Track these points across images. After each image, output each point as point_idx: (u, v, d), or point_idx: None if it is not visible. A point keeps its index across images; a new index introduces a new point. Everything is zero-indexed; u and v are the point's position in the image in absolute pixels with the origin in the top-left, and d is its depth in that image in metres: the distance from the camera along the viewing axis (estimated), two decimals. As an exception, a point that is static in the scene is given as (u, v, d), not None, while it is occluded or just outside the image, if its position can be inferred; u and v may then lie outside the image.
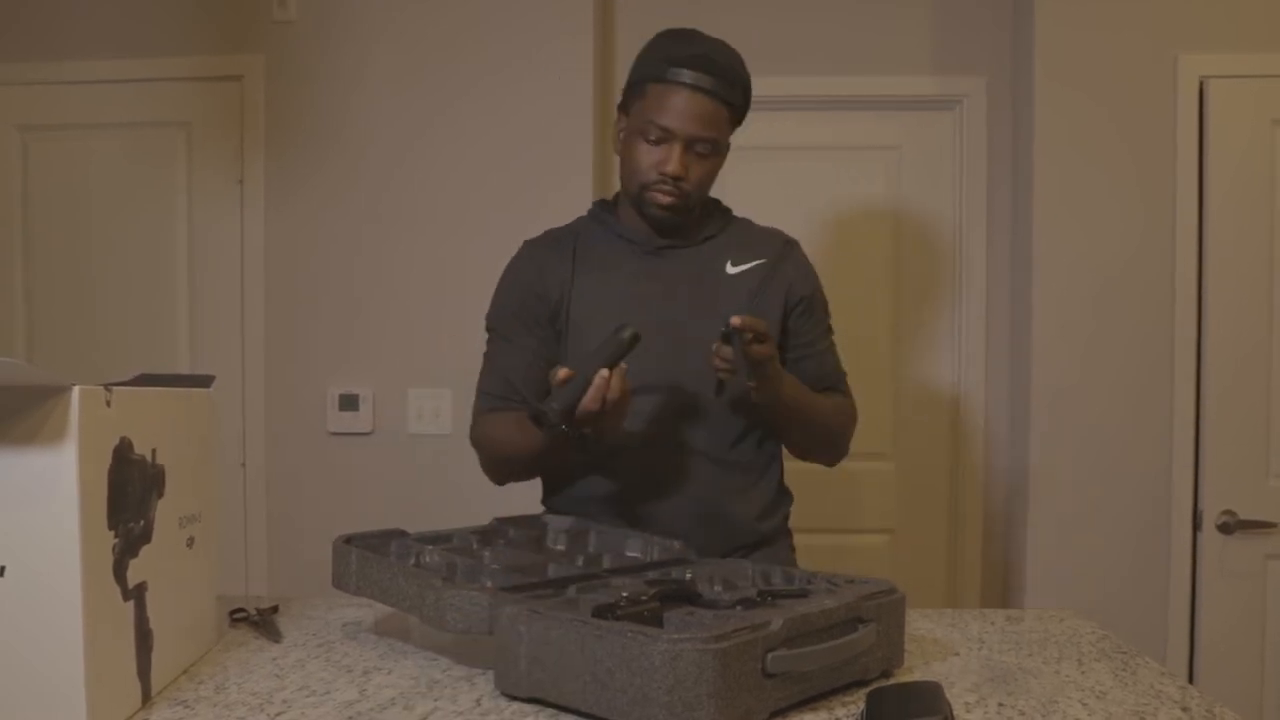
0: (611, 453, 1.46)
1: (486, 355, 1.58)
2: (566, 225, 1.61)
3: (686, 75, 1.40)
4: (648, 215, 1.48)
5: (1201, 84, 2.39)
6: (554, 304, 1.51)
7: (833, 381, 1.58)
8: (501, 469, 1.54)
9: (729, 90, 1.43)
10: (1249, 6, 2.39)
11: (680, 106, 1.40)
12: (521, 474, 1.55)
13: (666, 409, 1.47)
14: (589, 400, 1.23)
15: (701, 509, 1.47)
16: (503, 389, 1.53)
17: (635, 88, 1.47)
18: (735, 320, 1.29)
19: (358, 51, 2.58)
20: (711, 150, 1.45)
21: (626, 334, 1.25)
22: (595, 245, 1.55)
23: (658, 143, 1.43)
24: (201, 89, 2.63)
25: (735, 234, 1.57)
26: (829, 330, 1.61)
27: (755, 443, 1.52)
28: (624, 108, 1.51)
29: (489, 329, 1.58)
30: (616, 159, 1.54)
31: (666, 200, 1.44)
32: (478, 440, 1.55)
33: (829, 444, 1.58)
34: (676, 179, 1.43)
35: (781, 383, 1.40)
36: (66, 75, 2.64)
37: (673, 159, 1.42)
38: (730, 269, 1.52)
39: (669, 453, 1.47)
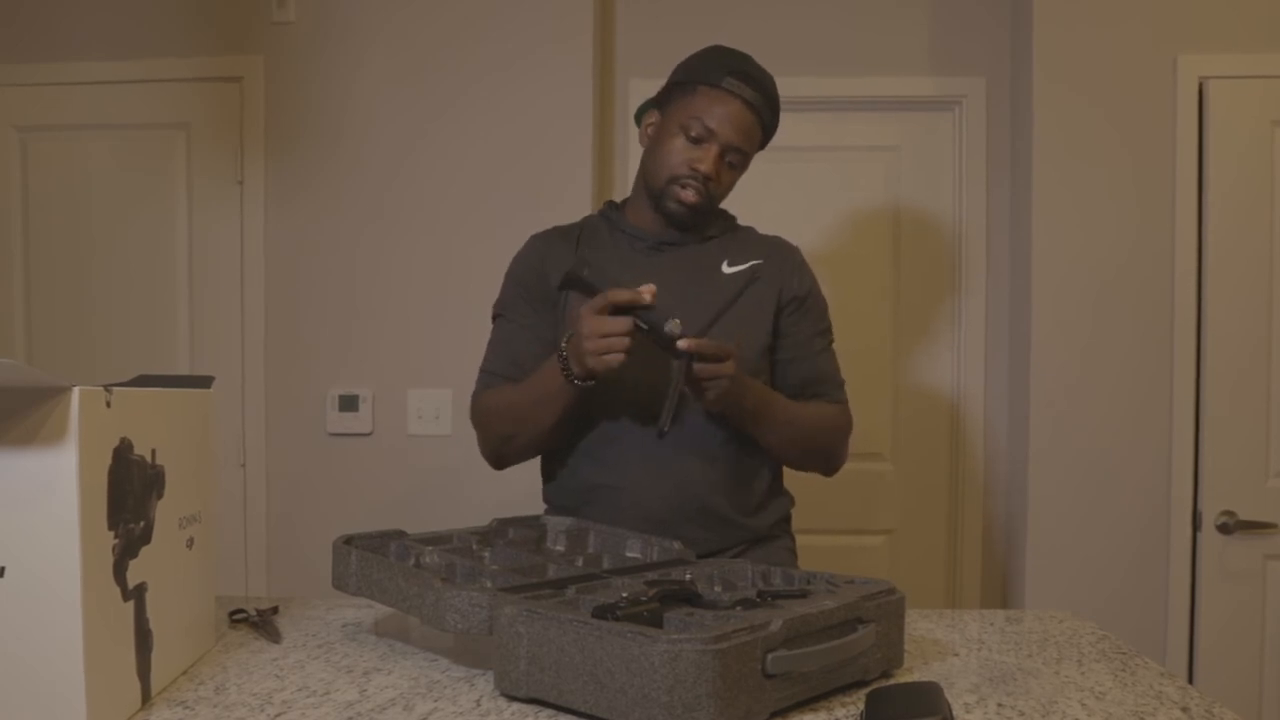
0: (605, 446, 1.48)
1: (490, 341, 1.60)
2: (574, 223, 1.65)
3: (741, 88, 1.48)
4: (666, 210, 1.52)
5: (1201, 84, 2.39)
6: (554, 290, 1.54)
7: (825, 388, 1.57)
8: (500, 439, 1.53)
9: (770, 115, 1.53)
10: (1249, 6, 2.39)
11: (729, 114, 1.47)
12: (519, 441, 1.52)
13: (657, 402, 1.47)
14: (623, 291, 1.29)
15: (690, 503, 1.47)
16: (505, 368, 1.55)
17: (684, 87, 1.51)
18: (683, 344, 1.29)
19: (357, 52, 2.58)
20: (740, 163, 1.52)
21: (676, 326, 1.30)
22: (599, 239, 1.58)
23: (698, 141, 1.48)
24: (201, 90, 2.63)
25: (737, 238, 1.60)
26: (825, 334, 1.61)
27: (748, 441, 1.51)
28: (660, 105, 1.55)
29: (495, 316, 1.60)
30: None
31: (692, 198, 1.49)
32: (478, 414, 1.56)
33: (812, 455, 1.57)
34: (707, 179, 1.48)
35: (744, 395, 1.40)
36: (66, 76, 2.65)
37: (709, 158, 1.48)
38: (726, 268, 1.54)
39: (659, 446, 1.47)
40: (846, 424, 1.60)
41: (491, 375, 1.56)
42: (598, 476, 1.50)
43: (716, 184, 1.50)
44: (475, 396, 1.57)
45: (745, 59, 1.52)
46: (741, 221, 1.65)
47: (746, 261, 1.55)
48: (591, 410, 1.48)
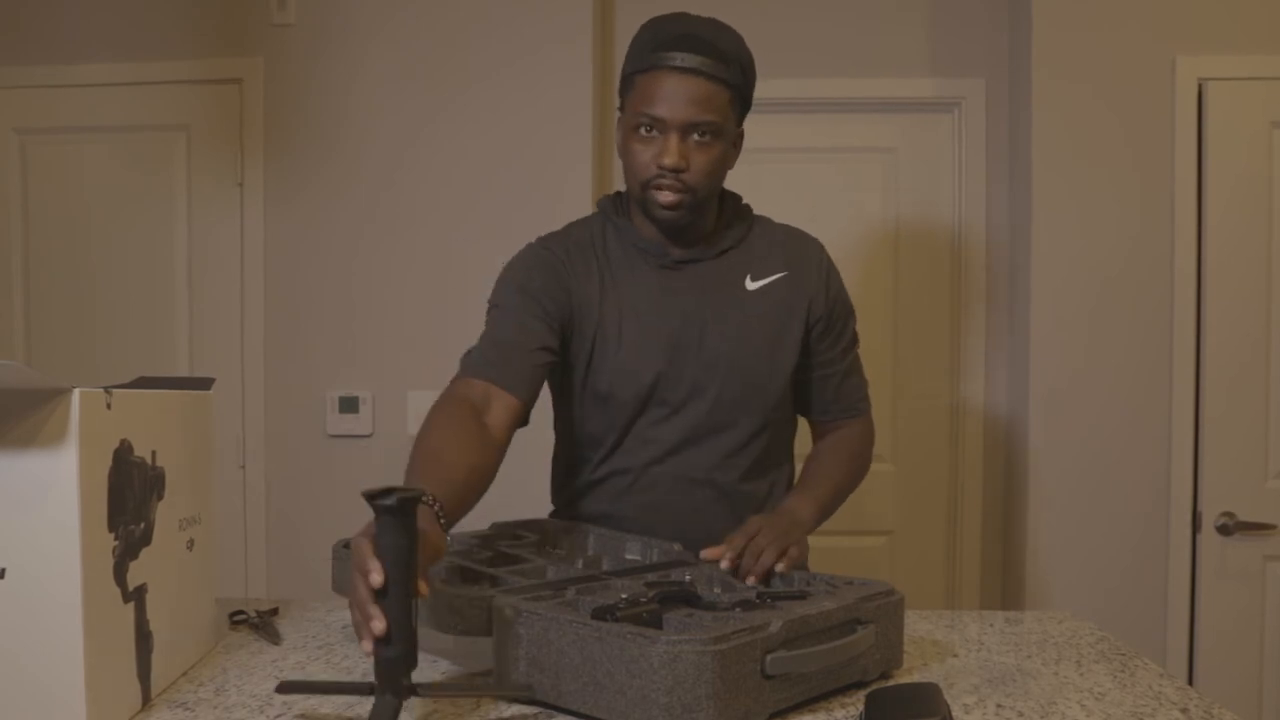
0: (620, 476, 1.46)
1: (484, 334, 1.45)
2: (582, 229, 1.50)
3: (674, 58, 1.30)
4: (654, 218, 1.38)
5: (1200, 86, 2.39)
6: (578, 310, 1.42)
7: (851, 402, 1.56)
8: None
9: (723, 68, 1.32)
10: (1248, 8, 2.39)
11: (670, 92, 1.30)
12: None
13: (679, 434, 1.43)
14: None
15: (706, 538, 1.36)
16: (484, 355, 1.36)
17: (626, 83, 1.38)
18: (725, 565, 1.21)
19: (356, 54, 2.58)
20: (713, 136, 1.33)
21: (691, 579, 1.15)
22: (615, 258, 1.45)
23: (652, 135, 1.33)
24: (201, 92, 2.63)
25: (755, 242, 1.48)
26: (853, 345, 1.56)
27: (763, 474, 1.50)
28: (621, 108, 1.44)
29: (491, 307, 1.45)
30: (612, 160, 1.52)
31: (670, 198, 1.34)
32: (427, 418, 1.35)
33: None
34: (676, 170, 1.32)
35: (808, 528, 1.42)
36: (65, 78, 2.65)
37: (670, 150, 1.31)
38: (750, 284, 1.45)
39: (677, 480, 1.44)
40: (871, 436, 1.62)
41: (468, 362, 1.38)
42: (607, 508, 1.47)
43: (690, 173, 1.33)
44: (449, 386, 1.39)
45: (675, 21, 1.35)
46: None
47: (769, 275, 1.46)
48: (605, 448, 1.46)
